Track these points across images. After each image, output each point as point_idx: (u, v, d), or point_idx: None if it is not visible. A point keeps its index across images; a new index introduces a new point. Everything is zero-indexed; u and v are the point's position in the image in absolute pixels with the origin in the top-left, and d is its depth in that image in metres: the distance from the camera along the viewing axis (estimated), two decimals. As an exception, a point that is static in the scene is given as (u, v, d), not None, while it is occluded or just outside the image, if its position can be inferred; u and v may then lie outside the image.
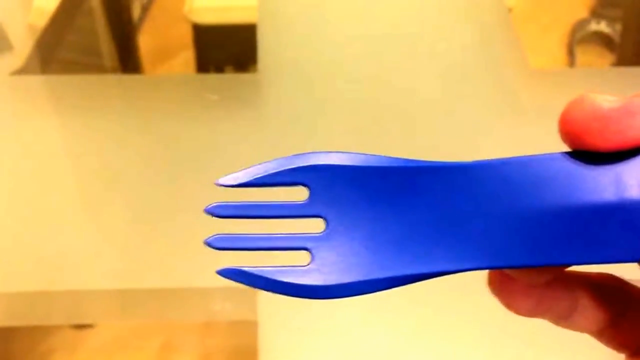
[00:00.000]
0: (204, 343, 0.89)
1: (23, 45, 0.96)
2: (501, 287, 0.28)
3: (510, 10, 0.99)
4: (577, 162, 0.24)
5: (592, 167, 0.24)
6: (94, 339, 0.93)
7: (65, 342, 0.93)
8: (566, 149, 0.25)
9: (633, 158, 0.24)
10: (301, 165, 0.26)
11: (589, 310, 0.29)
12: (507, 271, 0.27)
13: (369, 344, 0.63)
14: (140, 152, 0.79)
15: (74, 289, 0.69)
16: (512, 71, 0.88)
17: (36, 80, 0.92)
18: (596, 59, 1.34)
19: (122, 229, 0.72)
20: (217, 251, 0.26)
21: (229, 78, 1.01)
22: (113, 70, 1.07)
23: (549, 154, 0.25)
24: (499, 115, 0.83)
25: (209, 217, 0.27)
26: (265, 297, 0.65)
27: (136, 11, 1.19)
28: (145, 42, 1.17)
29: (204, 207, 0.27)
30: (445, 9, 0.96)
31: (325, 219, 0.26)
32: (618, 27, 1.28)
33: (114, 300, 0.71)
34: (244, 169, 0.27)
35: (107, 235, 0.71)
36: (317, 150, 0.28)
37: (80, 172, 0.77)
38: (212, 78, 1.02)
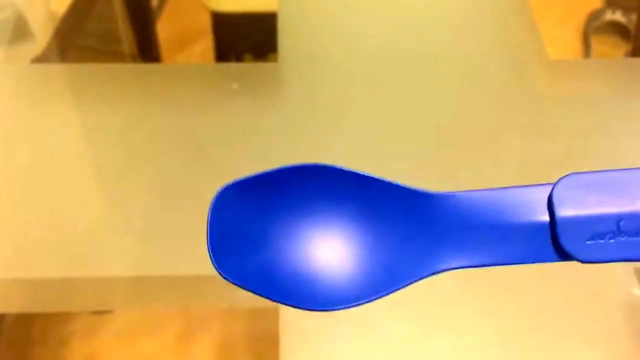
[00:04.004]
0: (224, 330, 0.89)
1: (44, 33, 0.96)
2: None
3: (528, -1, 0.99)
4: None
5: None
6: (112, 324, 0.94)
7: (84, 327, 0.93)
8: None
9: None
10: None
11: None
12: None
13: (391, 329, 0.63)
14: (160, 140, 0.79)
15: (95, 275, 0.69)
16: (532, 61, 0.88)
17: (56, 69, 0.92)
18: (611, 49, 1.33)
19: (142, 217, 0.72)
20: None
21: (249, 67, 1.01)
22: (132, 57, 1.07)
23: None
24: (518, 105, 0.83)
25: None
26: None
27: (155, -1, 1.19)
28: (164, 29, 1.17)
29: None
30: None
31: None
32: (634, 16, 1.27)
33: (134, 288, 0.71)
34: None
35: (127, 223, 0.72)
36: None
37: (99, 160, 0.78)
38: (232, 67, 1.02)
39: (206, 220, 0.29)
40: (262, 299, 0.70)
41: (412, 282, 0.28)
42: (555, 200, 0.27)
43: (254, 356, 0.87)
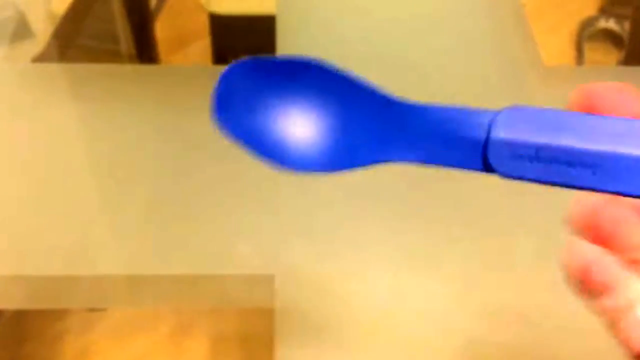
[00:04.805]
0: (216, 327, 0.90)
1: (44, 33, 0.97)
2: None
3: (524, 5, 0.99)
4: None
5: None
6: (106, 322, 0.94)
7: (78, 324, 0.94)
8: None
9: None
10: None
11: None
12: None
13: (386, 332, 0.64)
14: (156, 140, 0.79)
15: (89, 274, 0.69)
16: (527, 68, 0.89)
17: (55, 68, 0.93)
18: (604, 56, 1.34)
19: (138, 216, 0.72)
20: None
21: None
22: (130, 57, 1.07)
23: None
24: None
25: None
26: (283, 283, 0.66)
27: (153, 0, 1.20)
28: (162, 30, 1.18)
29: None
30: (462, 3, 0.96)
31: None
32: (626, 24, 1.29)
33: (129, 286, 0.71)
34: None
35: (123, 222, 0.72)
36: None
37: (97, 160, 0.78)
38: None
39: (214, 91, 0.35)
40: (255, 300, 0.70)
41: (369, 164, 0.35)
42: (493, 123, 0.33)
43: (247, 353, 0.87)
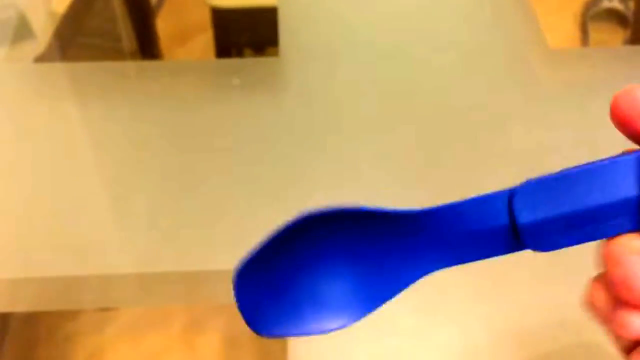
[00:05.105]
0: (229, 324, 0.90)
1: (45, 32, 0.96)
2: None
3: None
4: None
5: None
6: (117, 321, 0.94)
7: (90, 325, 0.94)
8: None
9: None
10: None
11: None
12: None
13: (396, 320, 0.64)
14: (162, 136, 0.79)
15: (100, 273, 0.69)
16: (531, 50, 0.88)
17: (58, 67, 0.92)
18: (609, 36, 1.33)
19: (146, 214, 0.72)
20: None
21: (250, 62, 1.01)
22: (132, 54, 1.07)
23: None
24: (518, 93, 0.84)
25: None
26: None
27: (154, -5, 1.20)
28: (164, 26, 1.17)
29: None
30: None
31: None
32: (631, 3, 1.28)
33: (140, 285, 0.71)
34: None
35: (131, 220, 0.72)
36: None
37: (102, 158, 0.78)
38: (233, 62, 1.02)
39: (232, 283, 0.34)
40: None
41: (406, 287, 0.34)
42: (514, 207, 0.32)
43: (260, 349, 0.87)
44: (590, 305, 0.34)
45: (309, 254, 0.34)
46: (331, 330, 0.34)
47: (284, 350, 0.62)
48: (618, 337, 0.33)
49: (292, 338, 0.62)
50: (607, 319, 0.33)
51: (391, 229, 0.34)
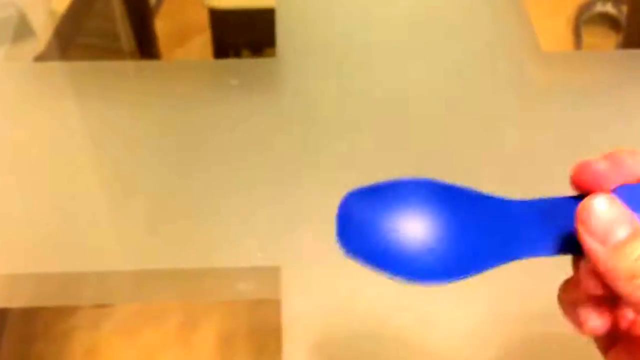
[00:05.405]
0: (225, 321, 0.90)
1: (45, 32, 0.97)
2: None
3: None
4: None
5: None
6: (114, 318, 0.94)
7: (87, 321, 0.94)
8: None
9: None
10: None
11: None
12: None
13: (393, 322, 0.64)
14: (160, 136, 0.79)
15: (97, 270, 0.70)
16: (525, 53, 0.89)
17: (57, 67, 0.93)
18: (602, 40, 1.34)
19: (143, 212, 0.72)
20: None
21: (247, 63, 1.01)
22: (130, 54, 1.08)
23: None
24: (511, 96, 0.84)
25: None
26: (289, 276, 0.66)
27: (153, -5, 1.20)
28: (162, 26, 1.18)
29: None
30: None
31: None
32: (624, 8, 1.28)
33: (136, 282, 0.72)
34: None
35: (128, 218, 0.72)
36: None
37: (101, 157, 0.78)
38: (230, 63, 1.02)
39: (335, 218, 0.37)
40: (262, 291, 0.71)
41: (490, 268, 0.36)
42: None
43: (255, 346, 0.88)
44: (559, 302, 0.36)
45: (415, 207, 0.36)
46: (408, 278, 0.35)
47: (278, 347, 0.62)
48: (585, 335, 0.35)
49: (285, 336, 0.63)
50: (570, 318, 0.35)
51: (486, 209, 0.37)
